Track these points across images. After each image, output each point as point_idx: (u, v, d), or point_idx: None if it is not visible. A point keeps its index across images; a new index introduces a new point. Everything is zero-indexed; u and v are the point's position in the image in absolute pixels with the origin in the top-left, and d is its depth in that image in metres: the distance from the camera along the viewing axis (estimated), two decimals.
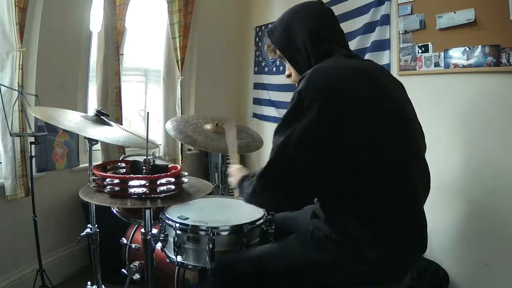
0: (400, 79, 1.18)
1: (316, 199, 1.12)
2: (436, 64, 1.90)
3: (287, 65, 1.21)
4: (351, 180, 0.97)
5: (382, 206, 0.98)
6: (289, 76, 1.23)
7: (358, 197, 0.98)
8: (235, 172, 1.26)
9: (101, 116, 1.49)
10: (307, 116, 0.95)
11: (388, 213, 0.98)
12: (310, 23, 1.13)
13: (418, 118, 1.13)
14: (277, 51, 1.20)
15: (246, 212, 1.42)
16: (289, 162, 0.98)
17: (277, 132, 1.02)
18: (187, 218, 1.34)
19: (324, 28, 1.13)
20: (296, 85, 1.05)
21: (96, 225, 1.57)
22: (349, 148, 0.95)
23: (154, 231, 1.19)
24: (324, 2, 1.21)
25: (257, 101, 3.47)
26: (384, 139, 0.98)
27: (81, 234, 1.55)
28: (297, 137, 0.95)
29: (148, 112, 1.18)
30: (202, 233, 1.26)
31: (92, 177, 1.05)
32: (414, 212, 1.03)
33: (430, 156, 1.13)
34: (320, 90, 0.97)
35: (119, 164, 1.21)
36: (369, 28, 2.26)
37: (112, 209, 1.65)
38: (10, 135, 1.73)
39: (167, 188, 1.03)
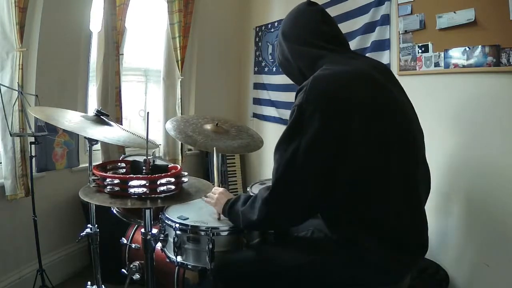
0: (400, 79, 1.18)
1: None
2: (436, 64, 1.90)
3: None
4: (353, 184, 0.97)
5: (383, 209, 0.98)
6: None
7: (358, 200, 0.98)
8: (218, 199, 1.27)
9: (101, 116, 1.49)
10: (311, 128, 0.94)
11: (389, 215, 0.98)
12: (295, 32, 1.13)
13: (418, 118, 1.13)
14: None
15: None
16: (299, 176, 0.96)
17: (279, 148, 1.00)
18: (187, 218, 1.34)
19: (309, 35, 1.11)
20: (295, 98, 1.04)
21: (96, 225, 1.57)
22: (353, 154, 0.94)
23: (154, 231, 1.19)
24: (324, 2, 1.20)
25: (257, 101, 3.47)
26: (385, 142, 0.98)
27: (81, 234, 1.55)
28: (305, 150, 0.94)
29: (148, 112, 1.18)
30: (202, 233, 1.26)
31: (92, 177, 1.05)
32: (415, 215, 1.03)
33: (429, 156, 1.13)
34: (319, 101, 0.95)
35: (119, 164, 1.21)
36: (369, 28, 2.26)
37: (112, 209, 1.65)
38: (10, 135, 1.73)
39: (167, 188, 1.03)
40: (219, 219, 1.33)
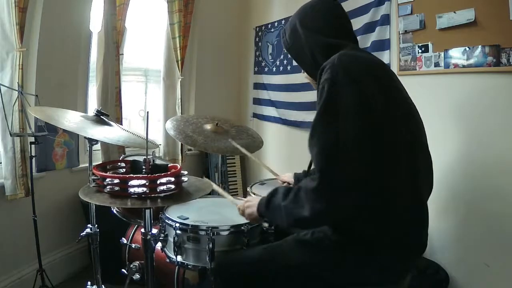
0: (400, 79, 1.17)
1: None
2: (436, 64, 1.90)
3: None
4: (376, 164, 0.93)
5: (389, 205, 0.96)
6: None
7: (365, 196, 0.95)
8: (249, 201, 1.14)
9: (101, 116, 1.50)
10: (348, 103, 0.89)
11: (392, 213, 0.97)
12: (314, 22, 1.12)
13: None
14: None
15: None
16: (349, 156, 0.88)
17: (317, 130, 0.92)
18: (187, 218, 1.34)
19: (328, 26, 1.12)
20: (317, 78, 1.00)
21: (96, 225, 1.57)
22: (380, 133, 0.92)
23: (154, 231, 1.20)
24: None
25: (257, 101, 3.47)
26: (397, 131, 0.97)
27: (81, 234, 1.56)
28: (348, 126, 0.88)
29: (148, 112, 1.18)
30: (202, 232, 1.26)
31: (92, 177, 1.05)
32: (418, 212, 1.02)
33: None
34: (352, 74, 0.93)
35: (119, 164, 1.21)
36: (369, 28, 2.26)
37: (112, 209, 1.65)
38: (10, 135, 1.73)
39: (167, 188, 1.03)
40: (266, 228, 1.18)
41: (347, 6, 2.42)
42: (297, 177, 1.62)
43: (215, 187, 1.31)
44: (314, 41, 1.10)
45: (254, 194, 1.62)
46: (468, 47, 1.75)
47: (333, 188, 0.88)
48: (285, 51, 1.24)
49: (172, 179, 1.03)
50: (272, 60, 3.23)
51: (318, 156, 0.90)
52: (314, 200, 0.90)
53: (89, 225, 1.57)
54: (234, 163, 3.42)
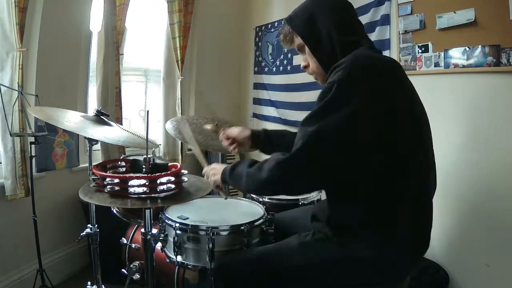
0: None
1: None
2: (436, 64, 1.90)
3: (305, 56, 1.15)
4: (374, 178, 0.95)
5: (392, 206, 0.97)
6: (305, 67, 1.17)
7: (372, 197, 0.96)
8: (214, 169, 1.22)
9: (101, 116, 1.49)
10: (347, 107, 0.91)
11: (396, 213, 0.97)
12: (336, 13, 1.09)
13: None
14: (295, 41, 1.14)
15: (246, 212, 1.42)
16: (322, 150, 0.92)
17: (308, 121, 0.95)
18: (187, 218, 1.34)
19: (349, 20, 1.11)
20: (328, 75, 1.01)
21: (96, 225, 1.57)
22: (382, 143, 0.93)
23: (154, 231, 1.19)
24: None
25: (257, 101, 3.47)
26: (417, 132, 0.98)
27: (81, 234, 1.55)
28: (335, 126, 0.91)
29: (148, 111, 1.18)
30: (202, 233, 1.26)
31: (92, 177, 1.05)
32: (422, 212, 1.02)
33: None
34: (361, 81, 0.93)
35: (119, 163, 1.21)
36: (369, 28, 2.26)
37: (112, 209, 1.64)
38: (10, 135, 1.73)
39: (167, 188, 1.03)
40: (226, 198, 1.26)
41: None
42: (257, 133, 1.47)
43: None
44: (337, 37, 1.06)
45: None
46: (468, 47, 1.75)
47: (297, 168, 0.95)
48: (286, 37, 1.17)
49: (172, 178, 1.03)
50: (272, 60, 3.23)
51: (300, 139, 0.94)
52: (274, 167, 0.97)
53: (89, 225, 1.57)
54: None
